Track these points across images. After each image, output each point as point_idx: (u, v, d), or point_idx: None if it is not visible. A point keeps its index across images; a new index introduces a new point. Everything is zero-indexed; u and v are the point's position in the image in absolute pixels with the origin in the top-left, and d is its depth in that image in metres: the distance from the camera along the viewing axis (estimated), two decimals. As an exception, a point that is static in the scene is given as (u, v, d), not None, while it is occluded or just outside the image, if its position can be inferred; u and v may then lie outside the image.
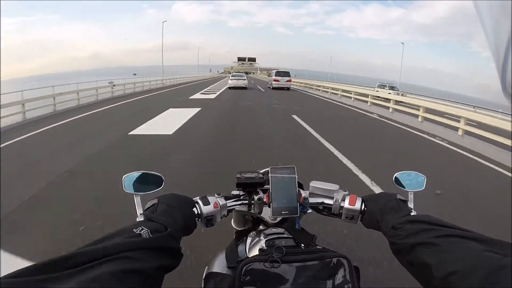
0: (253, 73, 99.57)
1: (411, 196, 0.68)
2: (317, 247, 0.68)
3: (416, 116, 9.62)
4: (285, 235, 0.72)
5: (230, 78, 24.08)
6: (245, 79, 23.50)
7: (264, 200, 0.71)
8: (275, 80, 23.27)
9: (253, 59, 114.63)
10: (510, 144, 5.85)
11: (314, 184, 0.74)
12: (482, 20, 0.29)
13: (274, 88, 22.92)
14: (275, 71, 25.50)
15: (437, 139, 7.14)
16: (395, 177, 0.74)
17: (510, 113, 5.92)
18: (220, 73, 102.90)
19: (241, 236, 0.81)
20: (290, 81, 23.51)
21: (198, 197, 0.68)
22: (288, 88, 23.29)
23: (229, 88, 22.21)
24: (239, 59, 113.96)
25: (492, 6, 0.27)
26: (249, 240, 0.80)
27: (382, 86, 23.30)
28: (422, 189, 0.72)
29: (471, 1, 0.30)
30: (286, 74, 24.02)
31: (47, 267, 0.36)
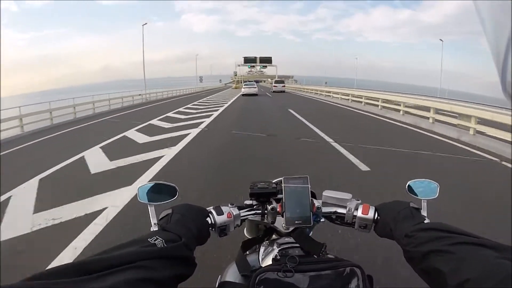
0: (264, 81, 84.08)
1: (424, 204, 0.67)
2: (329, 256, 0.68)
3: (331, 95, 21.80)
4: (299, 245, 0.72)
5: (243, 87, 30.44)
6: (255, 87, 29.27)
7: (278, 210, 0.71)
8: (274, 86, 34.50)
9: (268, 60, 67.85)
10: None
11: (327, 193, 0.74)
12: (482, 20, 0.29)
13: (274, 92, 32.26)
14: (274, 80, 38.40)
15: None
16: (408, 185, 0.74)
17: (510, 113, 5.75)
18: (226, 84, 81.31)
19: (249, 245, 0.81)
20: (284, 86, 35.01)
21: (211, 207, 0.69)
22: (283, 91, 32.72)
23: (242, 95, 26.73)
24: (247, 60, 67.52)
25: (493, 6, 0.27)
26: (262, 249, 0.80)
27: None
28: (435, 196, 0.71)
29: (471, 1, 0.30)
30: (282, 82, 36.81)
31: (62, 273, 0.37)
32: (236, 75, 71.42)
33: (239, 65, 71.41)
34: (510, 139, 5.88)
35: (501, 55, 0.26)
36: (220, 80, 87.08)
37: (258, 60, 67.74)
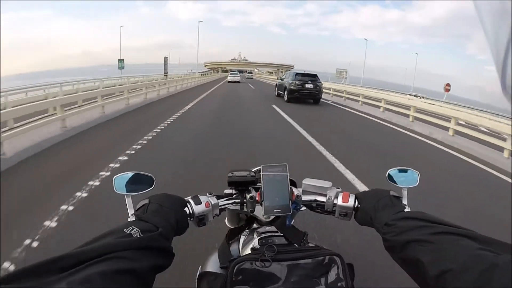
0: (245, 71, 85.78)
1: (404, 193, 0.67)
2: (309, 244, 0.68)
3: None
4: (279, 234, 0.72)
5: (229, 75, 36.59)
6: (239, 76, 36.09)
7: (257, 198, 0.69)
8: (247, 74, 59.67)
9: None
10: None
11: (306, 181, 0.73)
12: (482, 20, 0.28)
13: (247, 78, 50.18)
14: (247, 71, 71.39)
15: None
16: (388, 173, 0.74)
17: (510, 115, 6.01)
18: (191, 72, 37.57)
19: (233, 235, 0.80)
20: (252, 75, 60.79)
21: (189, 197, 0.67)
22: (252, 78, 53.31)
23: (228, 82, 32.63)
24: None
25: (492, 6, 0.27)
26: (242, 238, 0.80)
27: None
28: (415, 185, 0.71)
29: (470, 2, 0.30)
30: (251, 72, 67.20)
31: (37, 271, 0.35)
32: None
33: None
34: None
35: (501, 55, 0.26)
36: (191, 69, 40.94)
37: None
